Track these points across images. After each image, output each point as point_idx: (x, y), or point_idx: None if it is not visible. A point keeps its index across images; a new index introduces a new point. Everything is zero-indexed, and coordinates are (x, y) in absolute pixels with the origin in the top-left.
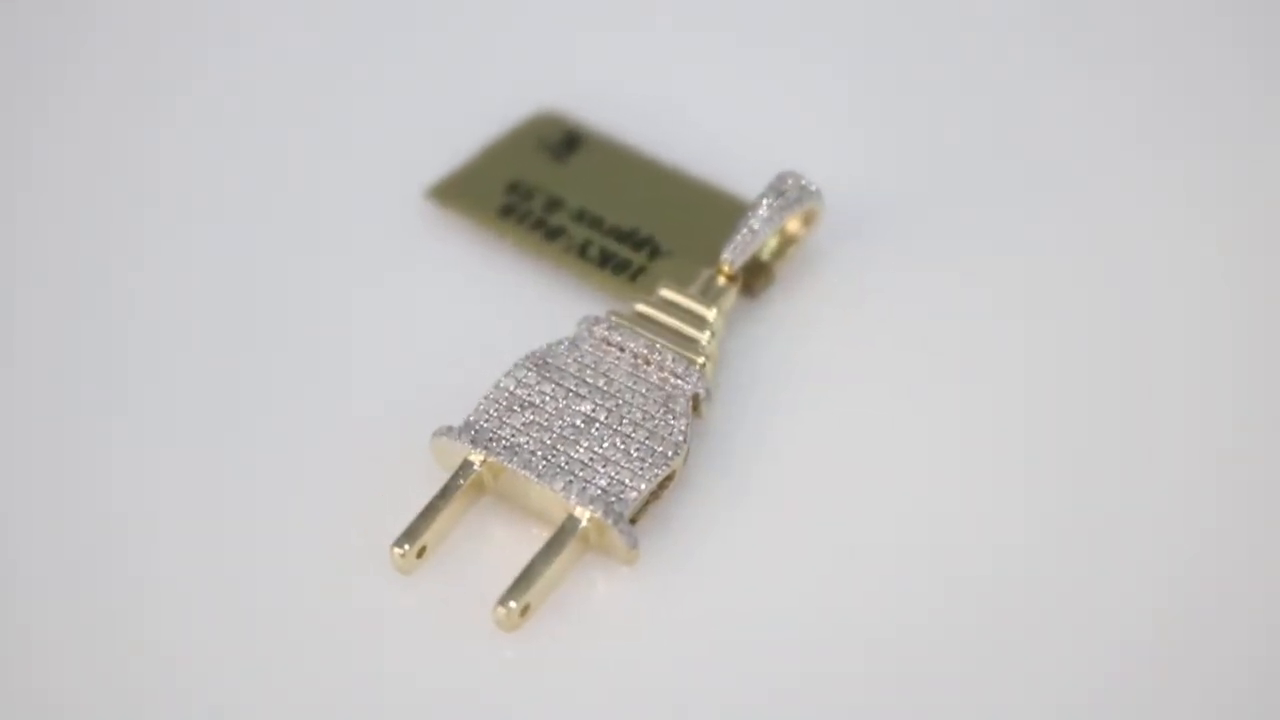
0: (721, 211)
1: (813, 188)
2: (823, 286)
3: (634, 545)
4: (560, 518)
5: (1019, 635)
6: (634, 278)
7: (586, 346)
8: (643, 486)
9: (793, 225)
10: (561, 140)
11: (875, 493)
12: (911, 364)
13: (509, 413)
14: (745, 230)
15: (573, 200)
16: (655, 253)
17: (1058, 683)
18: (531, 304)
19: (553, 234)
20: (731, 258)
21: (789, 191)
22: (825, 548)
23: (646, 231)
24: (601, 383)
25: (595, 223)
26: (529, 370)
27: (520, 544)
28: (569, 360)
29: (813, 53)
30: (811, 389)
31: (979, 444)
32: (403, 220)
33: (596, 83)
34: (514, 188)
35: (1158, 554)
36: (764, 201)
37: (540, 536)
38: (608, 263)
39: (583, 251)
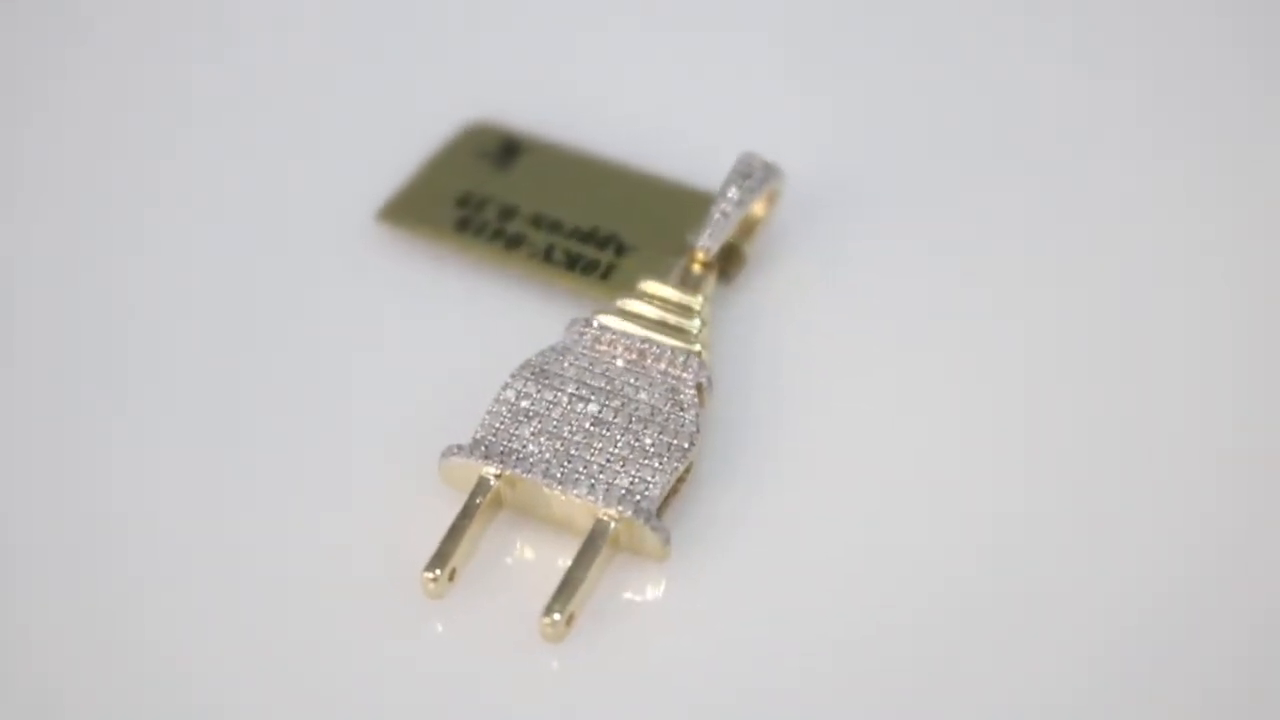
0: (677, 201)
1: (776, 166)
2: (794, 264)
3: (667, 541)
4: (584, 523)
5: (1033, 608)
6: (605, 276)
7: (580, 349)
8: (665, 481)
9: (758, 206)
10: (500, 148)
11: (889, 467)
12: (899, 333)
13: (516, 424)
14: (718, 215)
15: (526, 206)
16: (621, 249)
17: (1060, 667)
18: (502, 315)
19: (513, 242)
20: (708, 244)
21: (755, 172)
22: (846, 529)
23: (608, 229)
24: (603, 383)
25: (554, 226)
26: (527, 380)
27: (541, 555)
28: (565, 365)
29: (739, 36)
30: (807, 367)
31: (975, 414)
32: (354, 245)
33: (522, 87)
34: (464, 200)
35: (1158, 544)
36: (732, 185)
37: (559, 544)
38: (575, 264)
39: (548, 256)
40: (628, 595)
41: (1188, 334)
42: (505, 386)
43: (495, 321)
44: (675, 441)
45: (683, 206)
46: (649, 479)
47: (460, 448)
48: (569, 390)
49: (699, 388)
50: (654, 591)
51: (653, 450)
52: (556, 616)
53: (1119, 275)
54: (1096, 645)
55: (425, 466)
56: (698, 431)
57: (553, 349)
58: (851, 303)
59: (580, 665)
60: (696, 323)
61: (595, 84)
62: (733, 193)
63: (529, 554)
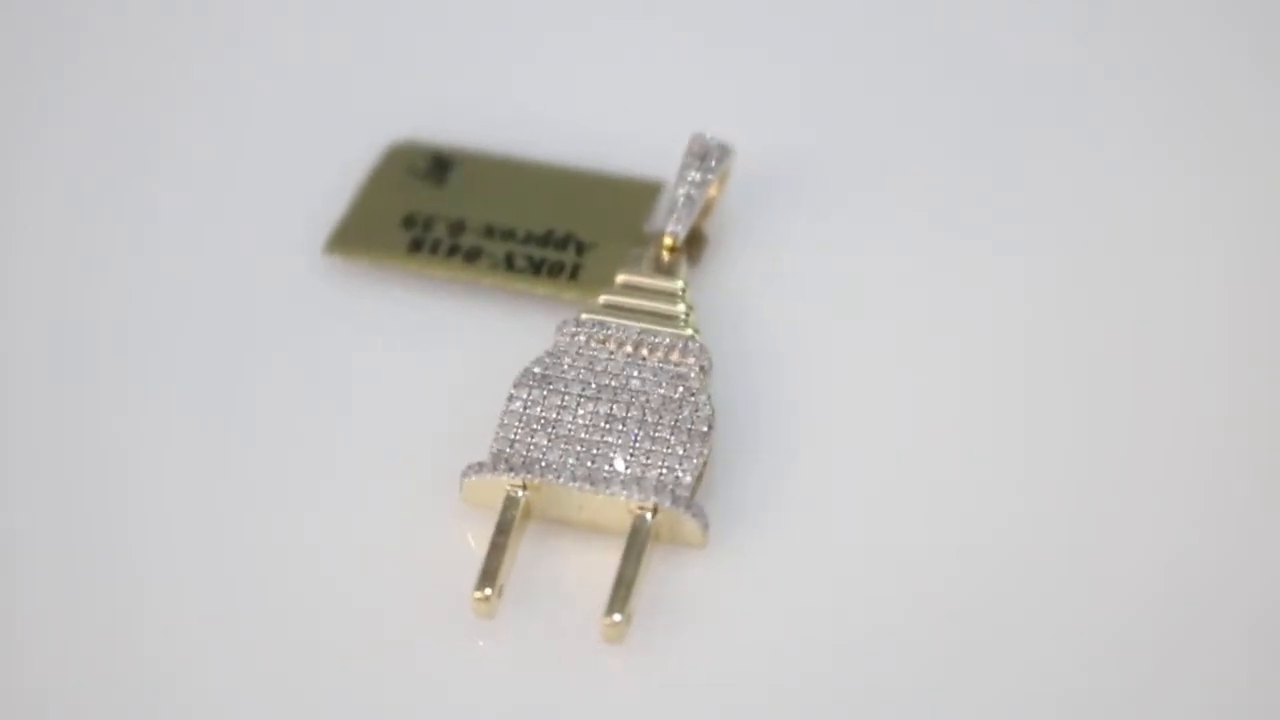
0: (622, 193)
1: (729, 145)
2: (754, 240)
3: (706, 527)
4: (617, 523)
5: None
6: (574, 276)
7: (575, 350)
8: (694, 467)
9: (713, 186)
10: (431, 165)
11: (903, 424)
12: (877, 292)
13: (530, 434)
14: (683, 199)
15: (474, 219)
16: (581, 248)
17: (1057, 655)
18: (475, 330)
19: (471, 256)
20: (676, 229)
21: (711, 152)
22: (877, 499)
23: (562, 230)
24: (607, 380)
25: (508, 234)
26: (530, 388)
27: (570, 560)
28: (565, 368)
29: (647, 24)
30: (793, 337)
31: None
32: (305, 282)
33: (435, 103)
34: (410, 221)
35: (1155, 536)
36: (691, 168)
37: (577, 547)
38: (541, 269)
39: (510, 264)
40: (673, 586)
41: (1172, 312)
42: (510, 398)
43: (470, 337)
44: (694, 427)
45: (629, 197)
46: (677, 468)
47: (481, 464)
48: (574, 392)
49: (702, 370)
50: (700, 579)
51: (674, 439)
52: (618, 617)
53: (1092, 245)
54: (1097, 623)
55: (439, 489)
56: (713, 414)
57: (548, 354)
58: (820, 271)
59: (641, 663)
60: (682, 307)
61: (512, 89)
62: (694, 175)
63: (558, 561)
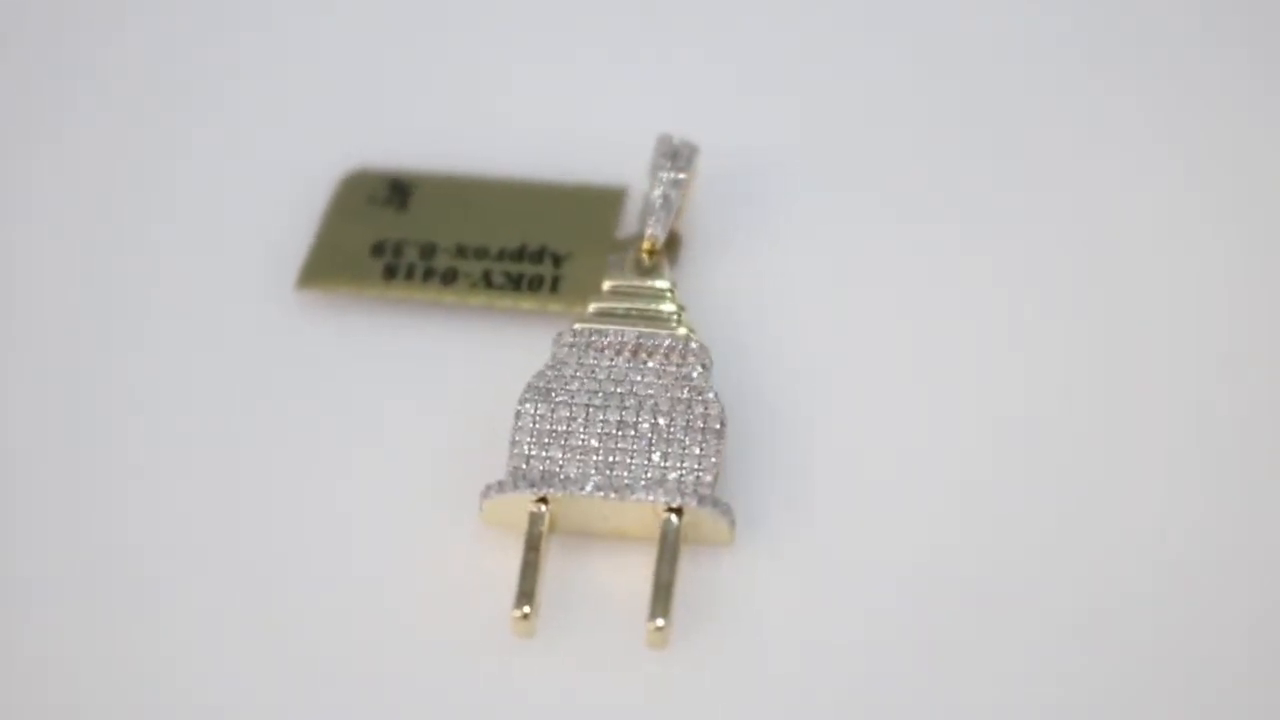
0: (587, 201)
1: (694, 143)
2: (726, 238)
3: (733, 524)
4: (640, 528)
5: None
6: (555, 288)
7: (576, 360)
8: (713, 465)
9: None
10: (389, 190)
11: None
12: (857, 276)
13: (544, 448)
14: (660, 200)
15: (444, 240)
16: (557, 259)
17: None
18: (459, 353)
19: (448, 277)
20: (656, 231)
21: (680, 151)
22: (897, 489)
23: (535, 243)
24: (611, 387)
25: (480, 253)
26: (536, 402)
27: (592, 569)
28: (568, 379)
29: (573, 33)
30: (782, 330)
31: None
32: (280, 319)
33: (383, 128)
34: (379, 249)
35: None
36: (662, 169)
37: (602, 556)
38: (520, 284)
39: (489, 282)
40: (702, 585)
41: (1163, 306)
42: (518, 414)
43: (458, 358)
44: (707, 425)
45: (595, 205)
46: (696, 467)
47: (501, 483)
48: (582, 402)
49: (704, 369)
50: (727, 577)
51: (689, 439)
52: (661, 622)
53: (1069, 237)
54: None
55: (453, 511)
56: (724, 411)
57: (549, 367)
58: (800, 266)
59: (689, 665)
60: (674, 308)
61: (458, 109)
62: (667, 175)
63: (585, 572)
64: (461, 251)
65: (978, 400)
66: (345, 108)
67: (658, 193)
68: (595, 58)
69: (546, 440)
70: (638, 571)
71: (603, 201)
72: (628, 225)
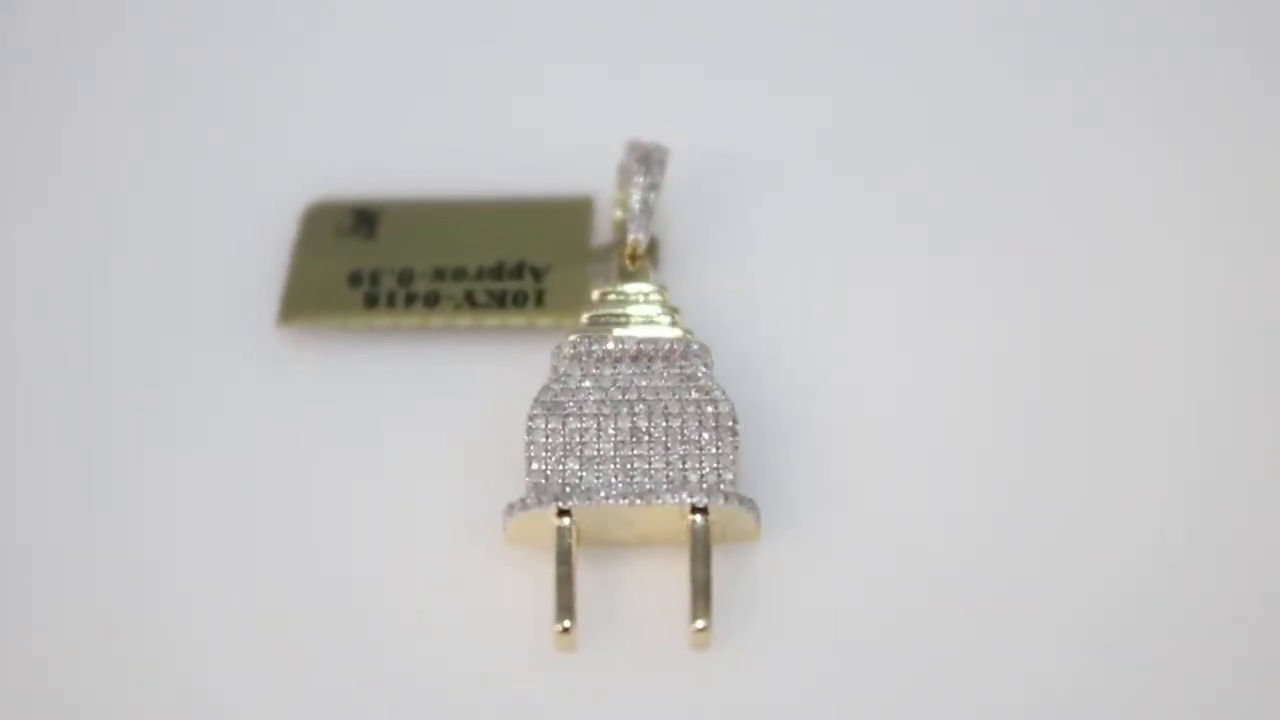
0: (556, 212)
1: (663, 146)
2: (701, 238)
3: (759, 519)
4: (666, 532)
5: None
6: (540, 302)
7: (579, 371)
8: (731, 463)
9: None
10: (355, 220)
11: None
12: (844, 265)
13: (560, 462)
14: (639, 205)
15: (420, 265)
16: (537, 273)
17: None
18: (452, 375)
19: (430, 301)
20: (639, 236)
21: (651, 154)
22: (916, 478)
23: (512, 259)
24: (618, 395)
25: (459, 274)
26: (546, 417)
27: (624, 576)
28: (574, 390)
29: (535, 44)
30: (773, 325)
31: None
32: (265, 358)
33: (332, 157)
34: (355, 278)
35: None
36: (637, 174)
37: (628, 563)
38: (504, 301)
39: (472, 302)
40: (732, 583)
41: (1158, 306)
42: (530, 430)
43: (452, 380)
44: (720, 423)
45: (564, 216)
46: (716, 466)
47: (524, 500)
48: (591, 412)
49: (706, 368)
50: (755, 572)
51: (703, 439)
52: (703, 623)
53: (1052, 238)
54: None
55: (472, 532)
56: (734, 408)
57: (553, 380)
58: (779, 263)
59: (734, 663)
60: (668, 310)
61: (411, 132)
62: (643, 180)
63: (614, 580)
64: (440, 274)
65: (975, 395)
66: (296, 139)
67: (636, 197)
68: (545, 71)
69: (562, 454)
70: (666, 575)
71: (572, 212)
72: (599, 233)
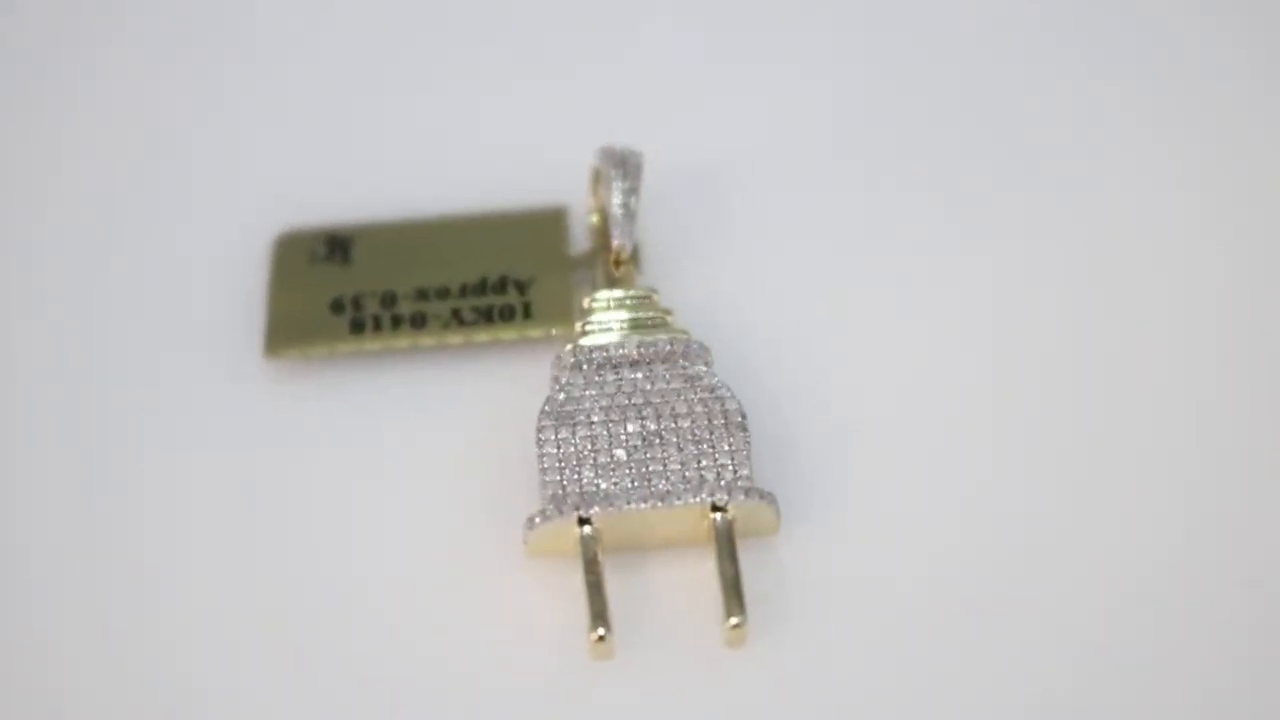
0: (528, 225)
1: (637, 151)
2: (677, 241)
3: (779, 512)
4: (686, 533)
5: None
6: (528, 315)
7: (582, 380)
8: (745, 458)
9: None
10: (328, 246)
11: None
12: (826, 252)
13: (575, 471)
14: (621, 212)
15: (401, 287)
16: (521, 286)
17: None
18: (446, 394)
19: (417, 322)
20: (623, 241)
21: (628, 159)
22: (929, 462)
23: (494, 274)
24: (623, 400)
25: (442, 293)
26: (555, 428)
27: (648, 580)
28: (580, 399)
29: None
30: (759, 331)
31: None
32: (256, 391)
33: (296, 185)
34: (338, 305)
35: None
36: (615, 180)
37: (652, 566)
38: (492, 316)
39: (460, 320)
40: (765, 576)
41: (1154, 305)
42: (540, 443)
43: (448, 399)
44: (729, 420)
45: (538, 227)
46: (730, 462)
47: (544, 512)
48: (599, 419)
49: (707, 365)
50: (783, 563)
51: (714, 437)
52: (737, 619)
53: (1040, 232)
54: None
55: (489, 549)
56: (741, 404)
57: (559, 390)
58: (756, 264)
59: (770, 658)
60: (661, 312)
61: (370, 154)
62: (622, 184)
63: (638, 585)
64: (423, 294)
65: (976, 387)
66: (257, 168)
67: (617, 203)
68: (507, 83)
69: (575, 462)
70: (690, 575)
71: (546, 223)
72: (576, 242)
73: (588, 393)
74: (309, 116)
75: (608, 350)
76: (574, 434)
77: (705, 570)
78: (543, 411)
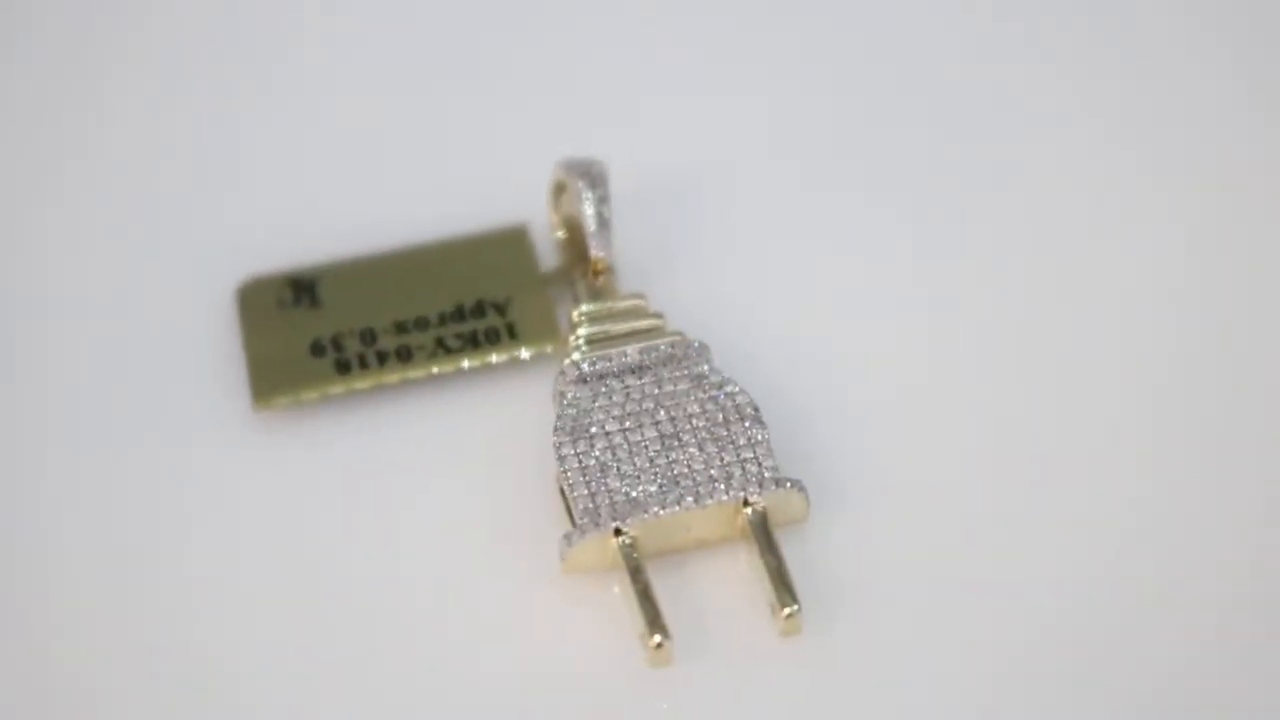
0: (493, 246)
1: (598, 159)
2: (649, 240)
3: (808, 499)
4: (719, 531)
5: None
6: (514, 335)
7: (589, 393)
8: (767, 449)
9: None
10: (293, 291)
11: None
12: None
13: (600, 483)
14: (596, 220)
15: (379, 322)
16: (500, 308)
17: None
18: (443, 423)
19: (403, 355)
20: (602, 251)
21: (591, 169)
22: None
23: (469, 299)
24: (633, 408)
25: (421, 324)
26: (573, 443)
27: (686, 582)
28: (590, 411)
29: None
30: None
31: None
32: (251, 443)
33: (247, 232)
34: (318, 348)
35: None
36: (584, 191)
37: (686, 569)
38: (477, 341)
39: (446, 349)
40: (802, 565)
41: (1110, 310)
42: (560, 460)
43: (444, 428)
44: (743, 413)
45: (503, 247)
46: (753, 455)
47: (581, 528)
48: (614, 429)
49: (709, 363)
50: (819, 551)
51: (732, 432)
52: (792, 609)
53: (1002, 231)
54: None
55: (530, 571)
56: (751, 397)
57: (567, 406)
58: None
59: (827, 644)
60: (653, 317)
61: (324, 191)
62: (592, 194)
63: (678, 588)
64: (402, 327)
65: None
66: (209, 221)
67: (590, 213)
68: (450, 106)
69: (598, 475)
70: (726, 573)
71: (509, 242)
72: (541, 258)
73: (597, 404)
74: (251, 163)
75: (609, 361)
76: (592, 446)
77: (741, 566)
78: (556, 429)
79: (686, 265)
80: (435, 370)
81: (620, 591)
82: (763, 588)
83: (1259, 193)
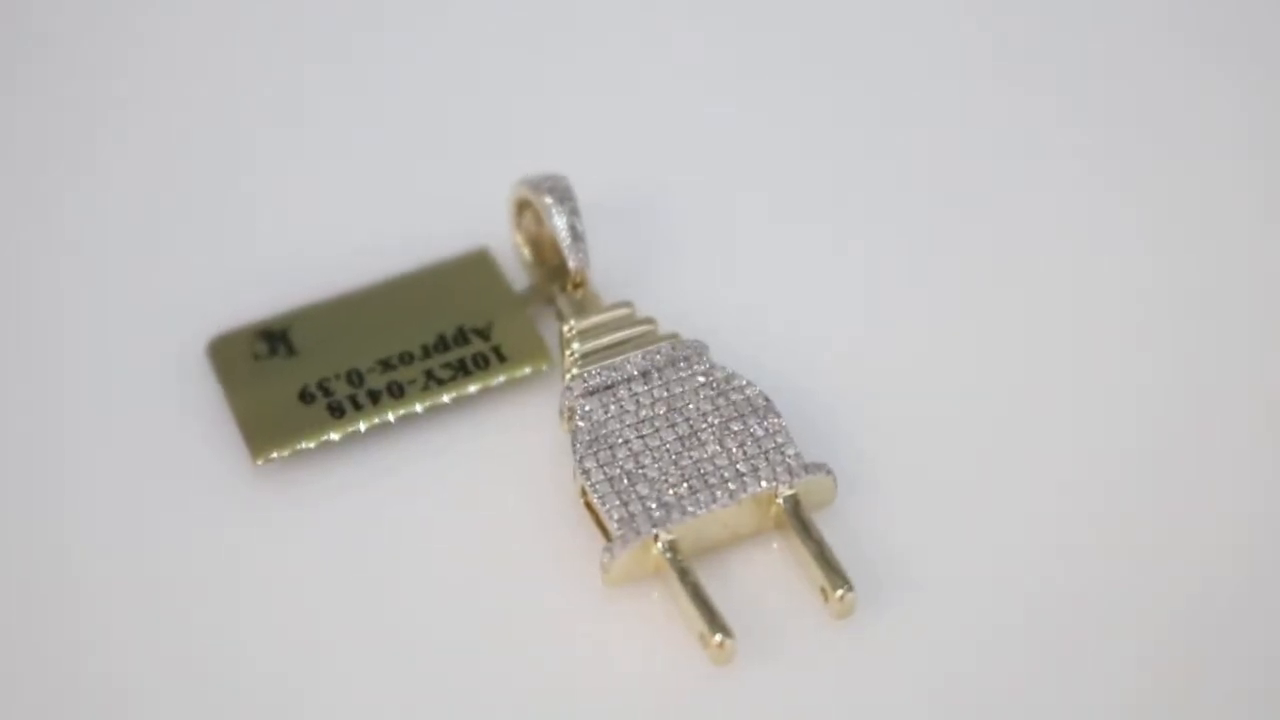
0: (460, 273)
1: (559, 174)
2: (628, 250)
3: (836, 482)
4: (753, 524)
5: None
6: (502, 358)
7: (599, 406)
8: (787, 438)
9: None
10: (267, 341)
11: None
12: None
13: (629, 491)
14: (569, 234)
15: (362, 362)
16: (482, 333)
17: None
18: (447, 456)
19: (395, 392)
20: (579, 264)
21: (556, 184)
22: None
23: (449, 328)
24: (648, 413)
25: (406, 358)
26: (595, 456)
27: (728, 577)
28: (603, 423)
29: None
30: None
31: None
32: (258, 499)
33: (203, 291)
34: (305, 395)
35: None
36: (554, 206)
37: (725, 564)
38: (466, 367)
39: (437, 380)
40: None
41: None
42: (585, 474)
43: (451, 462)
44: (754, 405)
45: (470, 272)
46: (774, 445)
47: (623, 538)
48: (631, 437)
49: (710, 360)
50: (855, 532)
51: (749, 425)
52: (844, 591)
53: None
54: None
55: (571, 590)
56: (760, 388)
57: (579, 419)
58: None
59: (880, 626)
60: (645, 323)
61: (273, 241)
62: (565, 209)
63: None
64: (387, 365)
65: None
66: (167, 282)
67: (562, 226)
68: (393, 135)
69: (626, 484)
70: (765, 567)
71: (474, 267)
72: (512, 278)
73: (610, 416)
74: (199, 218)
75: (613, 370)
76: (615, 457)
77: (775, 557)
78: (575, 446)
79: (653, 275)
80: (433, 402)
81: (660, 596)
82: (802, 574)
83: (1242, 196)
